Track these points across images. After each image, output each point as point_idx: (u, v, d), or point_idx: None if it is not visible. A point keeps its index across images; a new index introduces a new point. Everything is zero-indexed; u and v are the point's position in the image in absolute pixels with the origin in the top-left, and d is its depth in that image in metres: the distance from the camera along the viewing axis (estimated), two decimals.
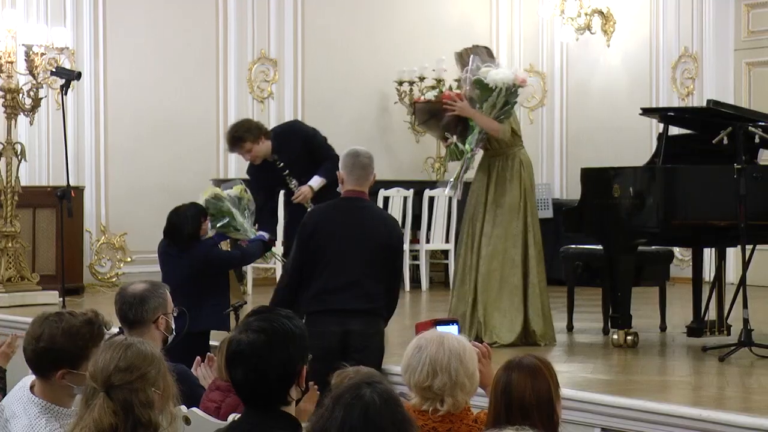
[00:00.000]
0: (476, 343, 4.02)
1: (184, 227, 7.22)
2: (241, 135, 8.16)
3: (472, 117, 7.43)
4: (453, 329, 4.25)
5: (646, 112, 8.35)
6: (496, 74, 7.37)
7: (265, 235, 7.82)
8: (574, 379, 6.12)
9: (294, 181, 8.22)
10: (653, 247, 8.13)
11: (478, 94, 7.40)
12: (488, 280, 7.42)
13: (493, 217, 7.48)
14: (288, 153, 8.22)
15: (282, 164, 8.21)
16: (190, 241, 7.21)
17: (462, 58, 7.66)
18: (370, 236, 6.24)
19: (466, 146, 7.45)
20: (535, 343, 7.38)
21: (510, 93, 7.39)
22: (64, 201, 8.84)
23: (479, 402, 3.96)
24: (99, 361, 3.22)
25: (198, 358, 5.18)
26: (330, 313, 6.13)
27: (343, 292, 6.17)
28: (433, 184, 12.05)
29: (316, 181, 8.17)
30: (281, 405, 3.19)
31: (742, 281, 6.86)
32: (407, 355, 3.68)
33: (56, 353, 3.65)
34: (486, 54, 7.69)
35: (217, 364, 4.74)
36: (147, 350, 3.27)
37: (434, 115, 7.72)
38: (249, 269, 11.12)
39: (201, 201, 7.52)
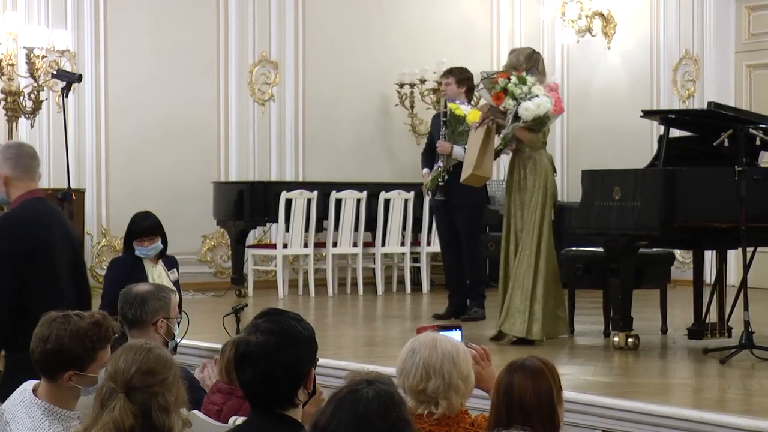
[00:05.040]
0: (473, 345, 4.01)
1: None
2: (453, 70, 9.44)
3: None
4: (455, 335, 4.23)
5: (647, 114, 8.36)
6: (534, 108, 7.59)
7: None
8: (575, 382, 6.11)
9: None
10: (654, 250, 8.12)
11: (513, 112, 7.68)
12: (514, 277, 7.75)
13: (521, 214, 7.80)
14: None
15: (445, 119, 9.20)
16: None
17: (528, 61, 7.88)
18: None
19: (500, 138, 7.84)
20: (532, 341, 7.57)
21: (546, 117, 7.70)
22: (65, 203, 8.79)
23: (478, 404, 3.96)
24: (119, 362, 3.21)
25: (204, 361, 5.18)
26: None
27: None
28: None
29: (458, 151, 9.01)
30: (289, 407, 3.20)
31: (743, 283, 6.86)
32: (401, 359, 3.67)
33: (64, 355, 3.66)
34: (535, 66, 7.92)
35: (219, 366, 4.73)
36: (166, 355, 3.27)
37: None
38: (249, 271, 11.12)
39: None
